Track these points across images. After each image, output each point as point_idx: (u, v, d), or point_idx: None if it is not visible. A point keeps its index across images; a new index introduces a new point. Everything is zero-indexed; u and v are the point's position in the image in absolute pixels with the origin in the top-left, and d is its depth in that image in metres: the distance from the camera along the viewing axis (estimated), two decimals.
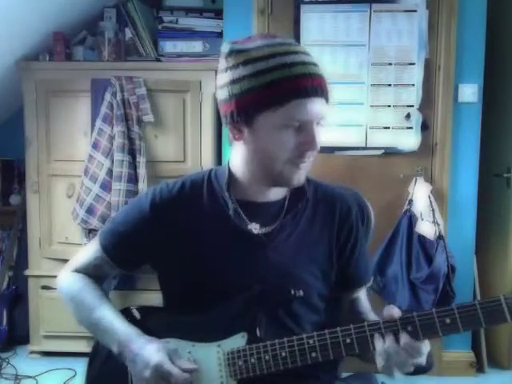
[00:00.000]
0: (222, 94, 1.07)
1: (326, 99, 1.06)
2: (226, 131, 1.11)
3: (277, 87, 1.01)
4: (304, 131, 1.04)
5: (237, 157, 1.13)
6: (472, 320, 0.96)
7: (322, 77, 1.05)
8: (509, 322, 0.95)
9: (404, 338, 0.98)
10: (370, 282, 1.27)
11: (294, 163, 1.06)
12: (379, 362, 0.99)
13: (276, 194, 1.16)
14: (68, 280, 1.23)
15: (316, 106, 1.03)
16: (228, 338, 1.09)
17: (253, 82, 1.02)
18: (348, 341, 1.01)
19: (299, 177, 1.09)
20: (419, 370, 1.25)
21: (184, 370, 1.04)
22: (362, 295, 1.27)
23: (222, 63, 1.08)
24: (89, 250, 1.23)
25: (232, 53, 1.06)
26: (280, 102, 1.01)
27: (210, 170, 1.21)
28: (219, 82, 1.08)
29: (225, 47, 1.07)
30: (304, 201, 1.17)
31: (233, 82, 1.04)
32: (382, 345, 0.99)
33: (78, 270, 1.23)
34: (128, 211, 1.20)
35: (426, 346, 1.00)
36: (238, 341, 1.08)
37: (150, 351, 1.05)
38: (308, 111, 1.02)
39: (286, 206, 1.17)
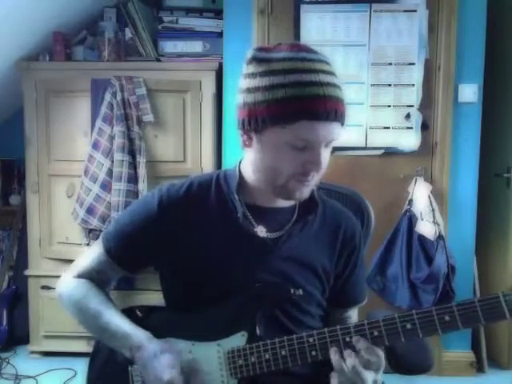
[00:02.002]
0: (239, 99, 1.07)
1: (341, 122, 1.04)
2: (239, 134, 1.11)
3: (288, 105, 0.99)
4: (310, 151, 1.02)
5: (247, 162, 1.13)
6: (471, 317, 0.97)
7: (339, 100, 1.02)
8: (508, 318, 0.96)
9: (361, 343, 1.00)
10: (363, 302, 1.28)
11: (298, 180, 1.06)
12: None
13: (284, 201, 1.16)
14: (70, 286, 1.21)
15: (326, 129, 1.01)
16: (228, 337, 1.09)
17: (266, 95, 1.01)
18: (347, 339, 1.02)
19: (302, 193, 1.09)
20: (419, 370, 1.26)
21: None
22: (354, 315, 1.28)
23: (244, 68, 1.07)
24: (91, 254, 1.22)
25: (254, 60, 1.05)
26: (289, 121, 0.99)
27: (219, 172, 1.21)
28: (239, 86, 1.08)
29: (249, 53, 1.06)
30: (314, 214, 1.18)
31: (248, 90, 1.04)
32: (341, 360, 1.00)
33: (80, 276, 1.22)
34: (133, 212, 1.19)
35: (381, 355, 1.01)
36: (237, 340, 1.08)
37: (162, 366, 1.03)
38: (316, 133, 1.00)
39: (296, 216, 1.17)
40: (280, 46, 1.07)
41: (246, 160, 1.14)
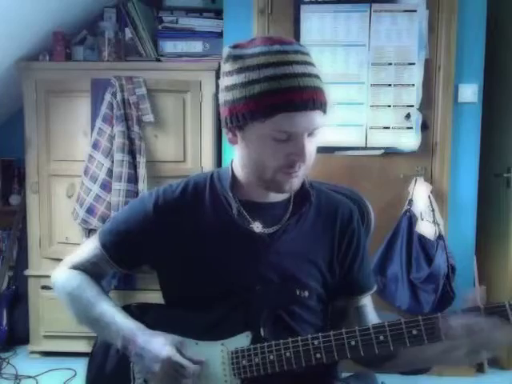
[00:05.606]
0: (220, 98, 1.09)
1: (322, 110, 1.04)
2: (224, 132, 1.13)
3: (264, 100, 1.00)
4: (293, 142, 1.03)
5: (237, 159, 1.14)
6: None
7: (316, 89, 1.02)
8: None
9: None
10: (374, 288, 1.26)
11: (285, 172, 1.06)
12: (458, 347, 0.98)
13: (278, 195, 1.16)
14: (65, 276, 1.22)
15: (305, 118, 1.01)
16: (232, 337, 1.09)
17: (243, 92, 1.02)
18: (353, 343, 1.02)
19: (291, 185, 1.09)
20: (419, 370, 1.25)
21: (194, 362, 1.04)
22: (368, 303, 1.24)
23: (222, 67, 1.09)
24: (87, 248, 1.23)
25: (229, 58, 1.06)
26: (267, 115, 1.00)
27: (213, 172, 1.22)
28: (220, 86, 1.09)
29: (224, 51, 1.08)
30: (308, 205, 1.17)
31: (227, 88, 1.06)
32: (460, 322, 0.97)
33: (75, 267, 1.23)
34: (130, 211, 1.20)
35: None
36: (242, 340, 1.08)
37: (157, 345, 1.05)
38: (296, 124, 1.01)
39: (291, 209, 1.17)
40: (254, 40, 1.07)
41: (236, 157, 1.15)
